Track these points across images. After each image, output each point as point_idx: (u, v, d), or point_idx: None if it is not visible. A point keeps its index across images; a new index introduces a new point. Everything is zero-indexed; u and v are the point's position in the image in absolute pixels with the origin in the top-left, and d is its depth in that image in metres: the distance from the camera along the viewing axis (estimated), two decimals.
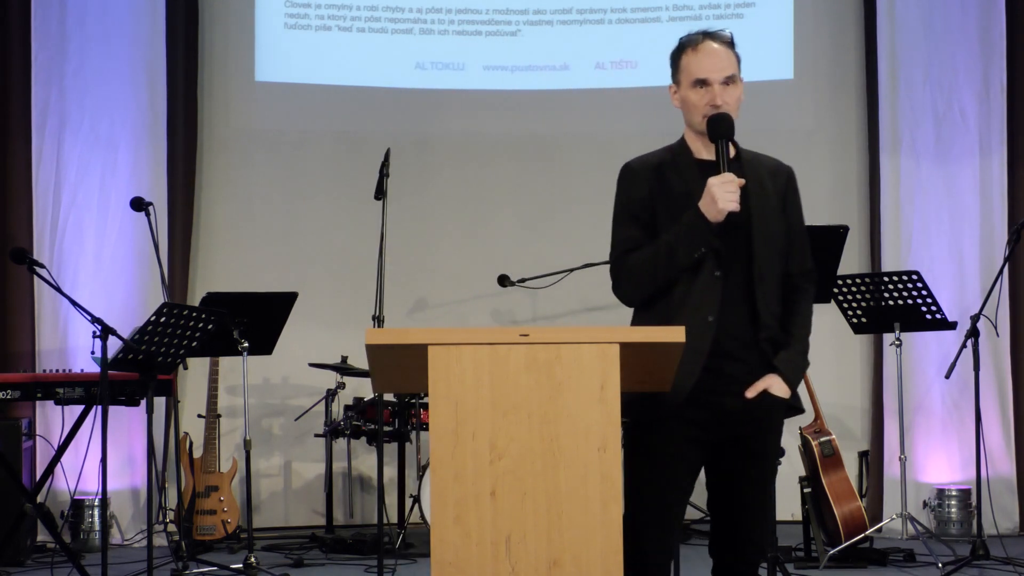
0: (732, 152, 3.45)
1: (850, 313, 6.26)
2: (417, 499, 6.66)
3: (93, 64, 7.11)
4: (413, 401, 6.70)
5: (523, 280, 7.12)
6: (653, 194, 3.42)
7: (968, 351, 5.96)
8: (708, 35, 3.43)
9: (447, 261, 7.73)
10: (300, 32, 7.72)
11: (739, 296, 3.37)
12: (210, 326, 5.59)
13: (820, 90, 7.77)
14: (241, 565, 5.97)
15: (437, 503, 2.97)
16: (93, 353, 5.36)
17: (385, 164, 6.21)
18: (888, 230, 7.32)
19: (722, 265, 3.36)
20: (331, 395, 7.07)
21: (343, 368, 6.94)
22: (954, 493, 6.99)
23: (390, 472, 7.16)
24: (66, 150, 7.08)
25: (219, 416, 6.88)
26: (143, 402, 5.53)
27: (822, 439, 6.29)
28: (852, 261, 7.34)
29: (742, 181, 3.34)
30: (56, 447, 5.80)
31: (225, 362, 6.92)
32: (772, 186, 3.46)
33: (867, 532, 6.22)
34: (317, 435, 7.22)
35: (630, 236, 3.43)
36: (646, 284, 3.40)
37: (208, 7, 7.58)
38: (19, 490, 5.74)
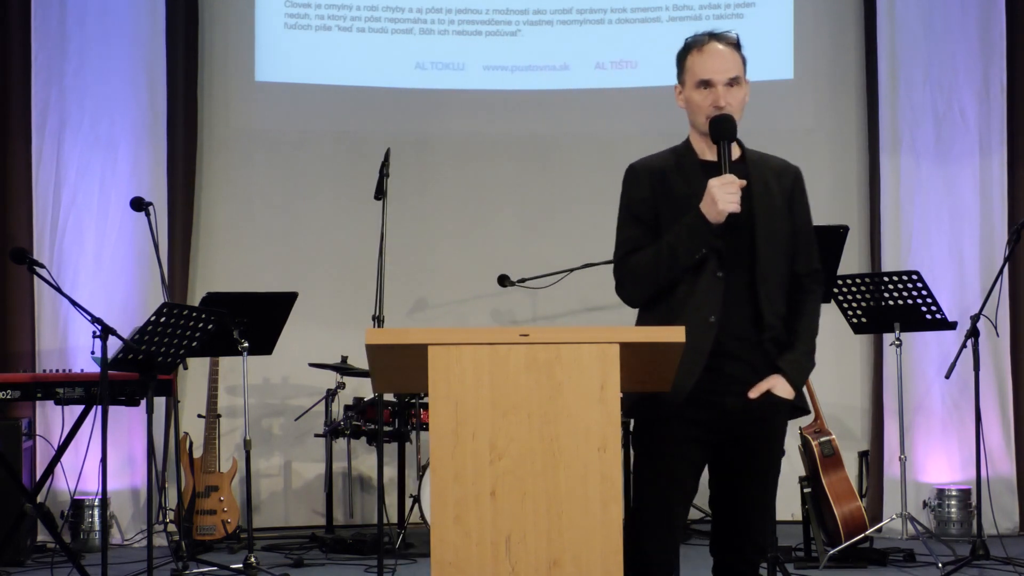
0: (738, 153, 3.45)
1: (850, 313, 6.26)
2: (417, 499, 6.66)
3: (93, 64, 7.11)
4: (413, 401, 6.70)
5: (523, 280, 7.12)
6: (656, 195, 3.43)
7: (968, 351, 5.96)
8: (714, 36, 3.43)
9: (447, 261, 7.73)
10: (300, 32, 7.72)
11: (742, 296, 3.38)
12: (210, 326, 5.59)
13: (820, 90, 7.77)
14: (241, 565, 5.97)
15: (437, 503, 2.97)
16: (93, 353, 5.36)
17: (385, 164, 6.21)
18: (888, 230, 7.32)
19: (724, 265, 3.36)
20: (331, 395, 7.07)
21: (343, 368, 6.94)
22: (954, 493, 6.99)
23: (390, 472, 7.16)
24: (66, 150, 7.08)
25: (219, 416, 6.88)
26: (143, 402, 5.53)
27: (822, 439, 6.29)
28: (852, 261, 7.34)
29: (743, 182, 3.34)
30: (56, 447, 5.80)
31: (225, 362, 6.92)
32: (778, 186, 3.46)
33: (867, 532, 6.22)
34: (317, 435, 7.22)
35: (633, 237, 3.44)
36: (648, 285, 3.41)
37: (208, 7, 7.58)
38: (19, 490, 5.74)
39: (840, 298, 6.20)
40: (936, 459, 7.15)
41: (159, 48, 7.20)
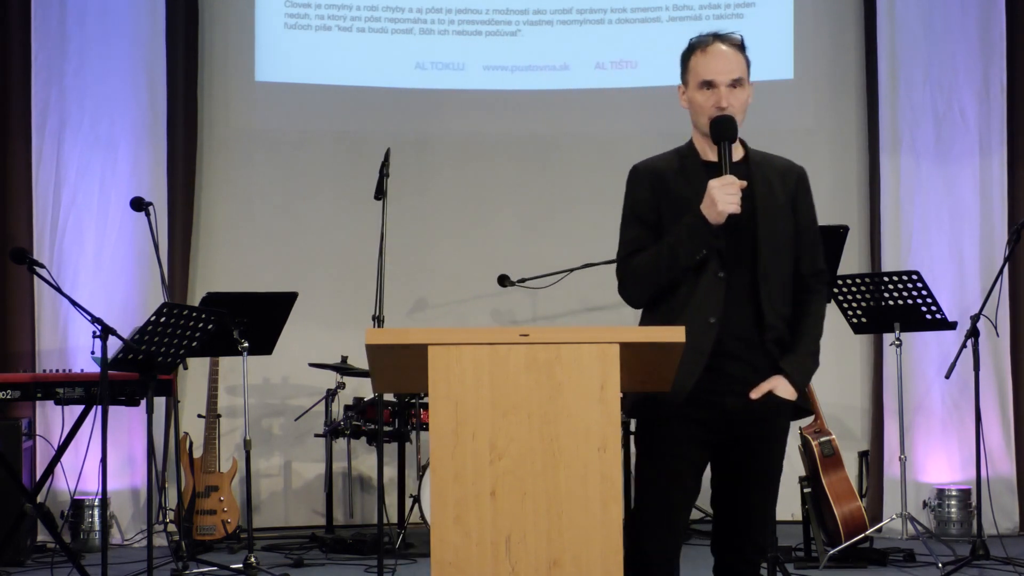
0: (741, 153, 3.45)
1: (850, 313, 6.26)
2: (417, 499, 6.66)
3: (93, 64, 7.11)
4: (413, 401, 6.70)
5: (523, 280, 7.12)
6: (658, 196, 3.43)
7: (968, 351, 5.96)
8: (718, 37, 3.43)
9: (447, 261, 7.73)
10: (300, 32, 7.72)
11: (743, 297, 3.38)
12: (210, 326, 5.59)
13: (820, 90, 7.77)
14: (241, 565, 5.97)
15: (437, 503, 2.97)
16: (93, 353, 5.36)
17: (385, 164, 6.21)
18: (888, 230, 7.32)
19: (726, 266, 3.36)
20: (331, 395, 7.07)
21: (343, 368, 6.94)
22: (954, 493, 6.99)
23: (390, 472, 7.16)
24: (66, 150, 7.08)
25: (219, 416, 6.88)
26: (143, 402, 5.53)
27: (822, 439, 6.29)
28: (852, 261, 7.34)
29: (743, 183, 3.34)
30: (56, 447, 5.80)
31: (225, 362, 6.92)
32: (781, 187, 3.46)
33: (867, 532, 6.22)
34: (317, 435, 7.22)
35: (635, 238, 3.45)
36: (649, 285, 3.41)
37: (208, 7, 7.57)
38: (19, 490, 5.73)
39: (840, 298, 6.20)
40: (936, 459, 7.15)
41: (159, 48, 7.20)
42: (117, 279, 7.08)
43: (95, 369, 5.35)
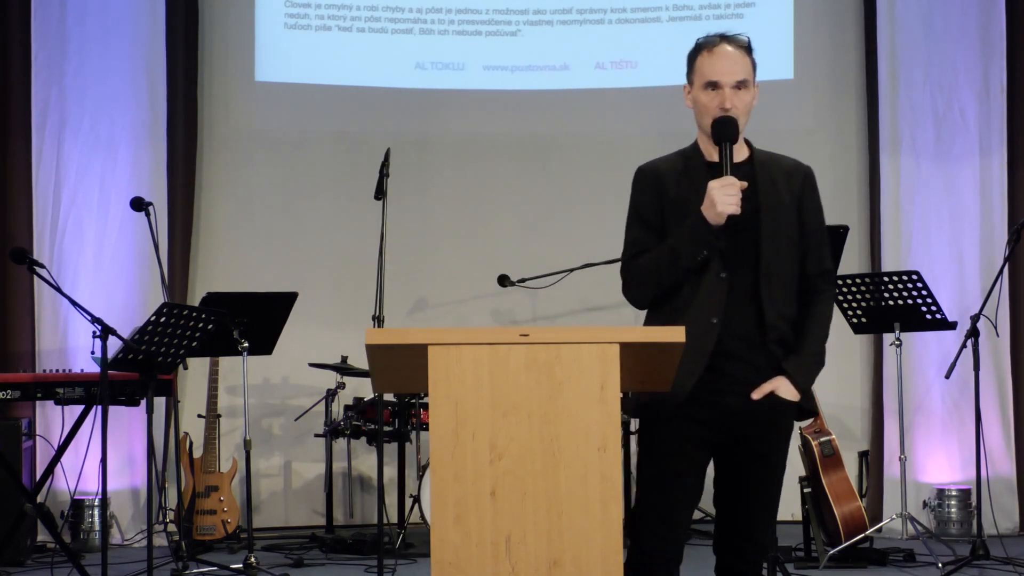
0: (745, 154, 3.45)
1: (850, 313, 6.27)
2: (417, 499, 6.66)
3: (93, 64, 7.11)
4: (413, 401, 6.70)
5: (523, 280, 7.11)
6: (661, 197, 3.44)
7: (968, 351, 5.96)
8: (725, 38, 3.43)
9: (447, 261, 7.73)
10: (300, 32, 7.72)
11: (746, 297, 3.37)
12: (210, 326, 5.59)
13: (820, 90, 7.77)
14: (241, 565, 5.97)
15: (437, 503, 2.96)
16: (93, 353, 5.36)
17: (385, 164, 6.21)
18: (888, 230, 7.32)
19: (728, 266, 3.36)
20: (331, 395, 7.07)
21: (343, 368, 6.94)
22: (954, 493, 6.99)
23: (390, 472, 7.16)
24: (66, 150, 7.08)
25: (219, 416, 6.88)
26: (143, 402, 5.53)
27: (822, 439, 6.29)
28: (852, 261, 7.34)
29: (743, 184, 3.33)
30: (56, 447, 5.80)
31: (225, 362, 6.92)
32: (786, 187, 3.45)
33: (867, 532, 6.22)
34: (317, 435, 7.22)
35: (639, 239, 3.46)
36: (652, 287, 3.42)
37: (208, 7, 7.57)
38: (19, 490, 5.73)
39: (840, 298, 6.20)
40: (936, 459, 7.15)
41: (159, 48, 7.20)
42: (117, 279, 7.08)
43: (95, 369, 5.35)
